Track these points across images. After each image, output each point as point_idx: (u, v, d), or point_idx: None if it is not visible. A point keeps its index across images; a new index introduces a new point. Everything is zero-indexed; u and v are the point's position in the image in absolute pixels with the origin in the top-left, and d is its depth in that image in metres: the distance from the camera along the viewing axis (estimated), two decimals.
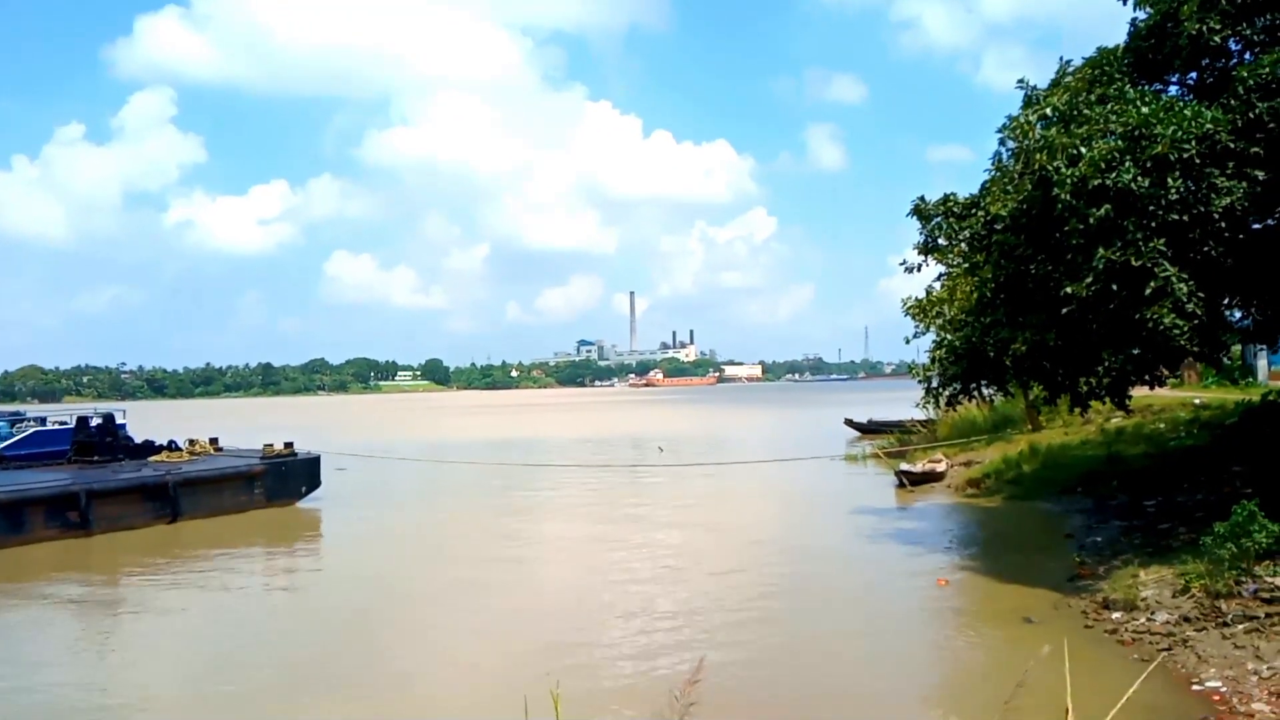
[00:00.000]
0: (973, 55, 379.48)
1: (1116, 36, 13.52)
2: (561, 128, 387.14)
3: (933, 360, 15.98)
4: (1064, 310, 11.11)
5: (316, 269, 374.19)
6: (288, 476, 22.93)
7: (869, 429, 40.10)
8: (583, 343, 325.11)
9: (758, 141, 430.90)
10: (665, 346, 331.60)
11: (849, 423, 42.36)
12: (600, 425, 61.78)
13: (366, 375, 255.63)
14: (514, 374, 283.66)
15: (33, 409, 38.09)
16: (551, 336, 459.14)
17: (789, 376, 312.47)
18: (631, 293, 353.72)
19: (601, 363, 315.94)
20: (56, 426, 27.29)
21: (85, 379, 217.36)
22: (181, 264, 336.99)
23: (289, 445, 23.81)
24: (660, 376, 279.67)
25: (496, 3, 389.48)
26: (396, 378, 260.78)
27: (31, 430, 27.03)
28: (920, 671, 9.82)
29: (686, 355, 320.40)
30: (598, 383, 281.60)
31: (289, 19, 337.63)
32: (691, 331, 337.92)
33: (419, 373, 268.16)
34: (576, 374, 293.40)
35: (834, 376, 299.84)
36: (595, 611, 12.30)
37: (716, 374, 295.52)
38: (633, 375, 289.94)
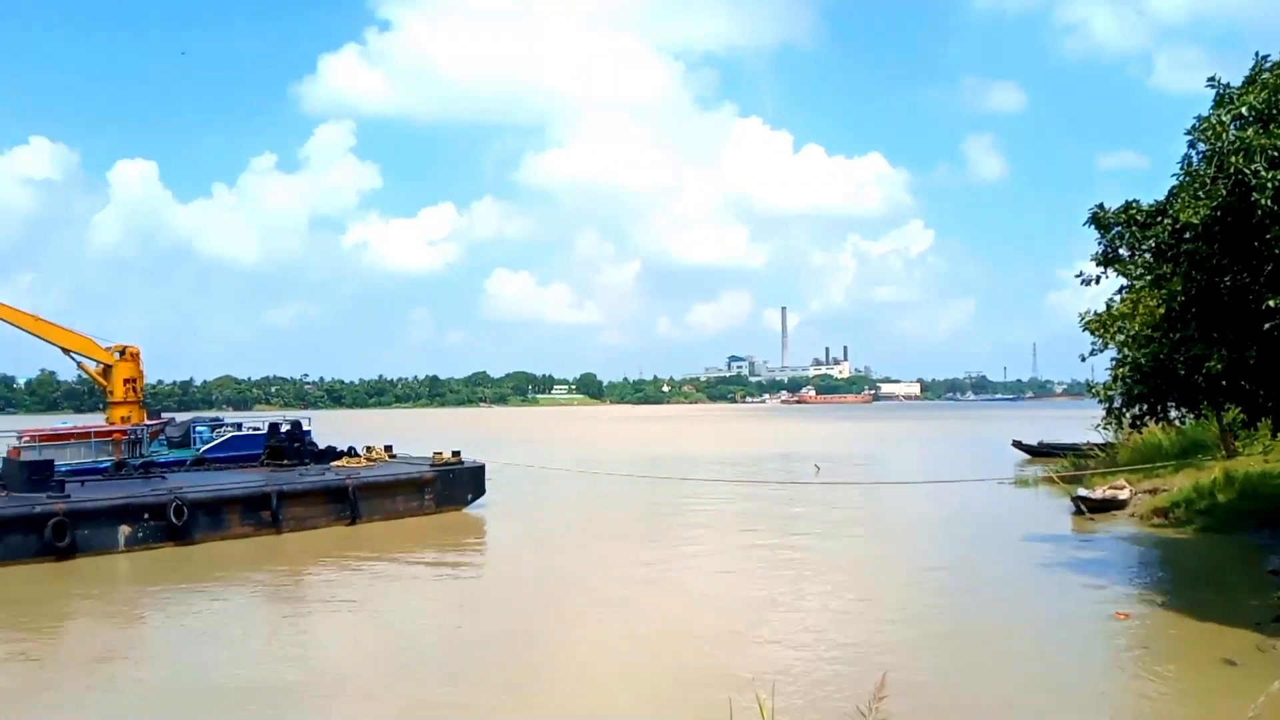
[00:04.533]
0: (1144, 58, 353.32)
1: None
2: (712, 145, 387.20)
3: (1114, 379, 15.01)
4: (1265, 325, 10.28)
5: (479, 286, 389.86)
6: (455, 484, 24.05)
7: (1040, 451, 38.13)
8: (733, 358, 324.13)
9: (913, 153, 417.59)
10: (818, 363, 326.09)
11: (1017, 444, 40.37)
12: (752, 441, 61.39)
13: (525, 388, 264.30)
14: (665, 389, 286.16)
15: (229, 415, 41.59)
16: (702, 351, 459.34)
17: (949, 395, 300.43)
18: (783, 308, 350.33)
19: (752, 379, 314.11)
20: (251, 432, 29.74)
21: (273, 389, 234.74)
22: (358, 282, 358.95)
23: (457, 454, 24.98)
24: (812, 393, 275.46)
25: (650, 28, 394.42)
26: (553, 391, 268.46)
27: (230, 435, 29.59)
28: (1110, 710, 9.19)
29: (840, 372, 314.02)
30: (749, 399, 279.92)
31: (454, 53, 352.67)
32: (845, 348, 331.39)
33: (574, 386, 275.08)
34: (727, 389, 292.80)
35: (998, 396, 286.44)
36: (763, 629, 12.20)
37: (871, 392, 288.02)
38: (784, 392, 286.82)
